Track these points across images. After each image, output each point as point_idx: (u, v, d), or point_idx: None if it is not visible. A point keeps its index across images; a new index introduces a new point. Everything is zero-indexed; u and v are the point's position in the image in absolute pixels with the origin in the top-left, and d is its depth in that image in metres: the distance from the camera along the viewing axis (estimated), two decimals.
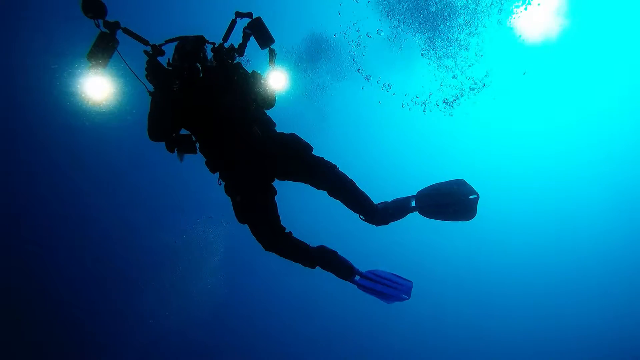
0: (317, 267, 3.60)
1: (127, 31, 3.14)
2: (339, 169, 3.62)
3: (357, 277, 3.59)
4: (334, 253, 3.57)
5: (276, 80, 3.47)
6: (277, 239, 3.48)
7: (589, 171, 20.05)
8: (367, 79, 14.53)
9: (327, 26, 14.81)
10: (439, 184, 3.83)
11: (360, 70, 14.49)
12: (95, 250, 18.29)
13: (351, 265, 3.55)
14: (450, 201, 3.68)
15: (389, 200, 3.85)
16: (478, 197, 3.67)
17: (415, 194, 3.86)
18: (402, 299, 3.58)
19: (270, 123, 3.59)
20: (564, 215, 20.46)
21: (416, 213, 3.86)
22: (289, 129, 3.69)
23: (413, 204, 3.84)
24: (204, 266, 17.59)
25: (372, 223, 3.75)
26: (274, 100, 3.50)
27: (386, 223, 3.78)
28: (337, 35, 14.14)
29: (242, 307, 20.34)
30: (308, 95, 15.84)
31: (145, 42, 3.22)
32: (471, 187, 3.71)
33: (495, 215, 20.56)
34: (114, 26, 3.06)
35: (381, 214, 3.73)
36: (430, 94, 13.18)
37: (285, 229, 3.55)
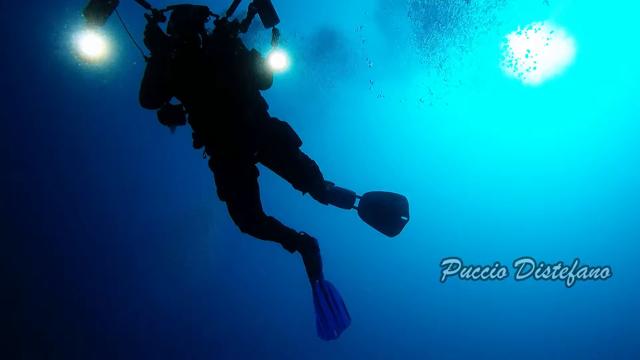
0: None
1: None
2: (317, 166, 3.66)
3: (317, 282, 3.60)
4: (319, 250, 3.62)
5: (276, 61, 3.38)
6: (254, 220, 3.41)
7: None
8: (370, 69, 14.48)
9: (341, 20, 14.83)
10: (384, 193, 4.00)
11: (369, 63, 14.54)
12: (91, 223, 17.76)
13: (321, 268, 3.60)
14: (383, 214, 3.88)
15: (340, 187, 3.98)
16: (407, 220, 3.87)
17: (361, 195, 4.01)
18: (331, 337, 3.51)
19: (263, 105, 3.53)
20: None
21: (355, 211, 4.03)
22: (286, 118, 3.65)
23: (356, 203, 3.99)
24: (203, 241, 17.41)
25: (313, 196, 3.84)
26: (271, 81, 3.42)
27: (325, 203, 3.91)
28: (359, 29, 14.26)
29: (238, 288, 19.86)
30: (312, 88, 15.80)
31: (147, 5, 3.09)
32: (407, 209, 3.91)
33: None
34: None
35: (326, 195, 3.84)
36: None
37: (263, 212, 3.49)
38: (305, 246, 3.54)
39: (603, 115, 18.98)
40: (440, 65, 13.53)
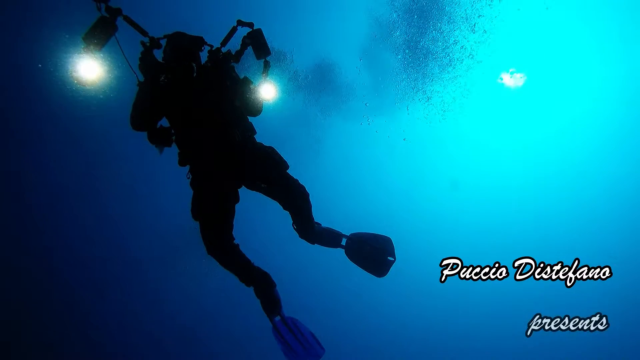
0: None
1: (127, 19, 3.20)
2: (308, 192, 3.73)
3: (277, 318, 3.55)
4: (274, 285, 3.61)
5: (266, 90, 3.53)
6: (222, 244, 3.48)
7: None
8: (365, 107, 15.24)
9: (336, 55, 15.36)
10: (370, 234, 4.15)
11: (365, 103, 15.21)
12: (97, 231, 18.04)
13: (279, 305, 3.57)
14: (370, 255, 4.03)
15: (327, 227, 4.08)
16: (394, 261, 4.04)
17: (349, 234, 4.13)
18: None
19: (251, 131, 3.64)
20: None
21: (342, 250, 4.14)
22: (281, 146, 3.81)
23: (343, 242, 4.11)
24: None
25: (301, 236, 3.94)
26: (260, 109, 3.56)
27: (312, 243, 4.00)
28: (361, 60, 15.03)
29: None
30: (307, 119, 16.25)
31: (144, 33, 3.28)
32: (393, 250, 4.08)
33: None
34: (116, 12, 3.12)
35: (314, 235, 3.93)
36: None
37: (234, 239, 3.57)
38: (259, 281, 3.55)
39: (602, 117, 19.07)
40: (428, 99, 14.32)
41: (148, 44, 3.26)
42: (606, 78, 18.98)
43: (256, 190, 3.69)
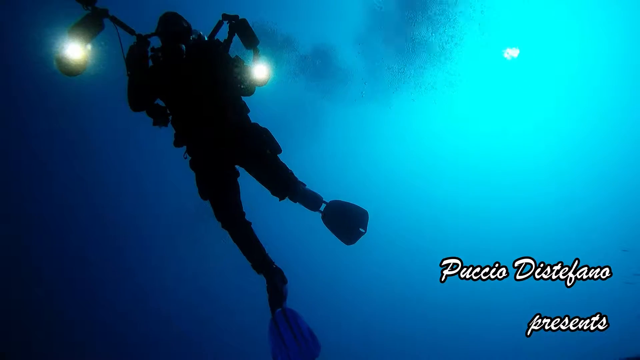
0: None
1: (114, 19, 3.25)
2: (294, 180, 3.84)
3: (278, 310, 3.49)
4: (286, 282, 3.61)
5: (258, 70, 3.55)
6: (234, 217, 3.56)
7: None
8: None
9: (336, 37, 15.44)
10: (348, 204, 4.30)
11: (364, 82, 15.35)
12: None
13: (285, 299, 3.55)
14: (343, 222, 4.20)
15: (310, 190, 4.17)
16: (364, 232, 4.21)
17: (328, 201, 4.27)
18: None
19: (244, 110, 3.69)
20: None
21: (319, 215, 4.29)
22: (277, 129, 3.84)
23: (322, 207, 4.23)
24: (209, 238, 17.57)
25: (281, 199, 3.99)
26: (253, 87, 3.59)
27: (294, 201, 4.11)
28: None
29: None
30: (303, 102, 16.35)
31: (131, 32, 3.34)
32: (366, 222, 4.25)
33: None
34: (102, 13, 3.16)
35: (298, 195, 4.01)
36: None
37: (245, 214, 3.62)
38: (273, 274, 3.55)
39: (604, 117, 19.06)
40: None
41: (135, 43, 3.30)
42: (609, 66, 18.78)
43: (247, 170, 3.74)
